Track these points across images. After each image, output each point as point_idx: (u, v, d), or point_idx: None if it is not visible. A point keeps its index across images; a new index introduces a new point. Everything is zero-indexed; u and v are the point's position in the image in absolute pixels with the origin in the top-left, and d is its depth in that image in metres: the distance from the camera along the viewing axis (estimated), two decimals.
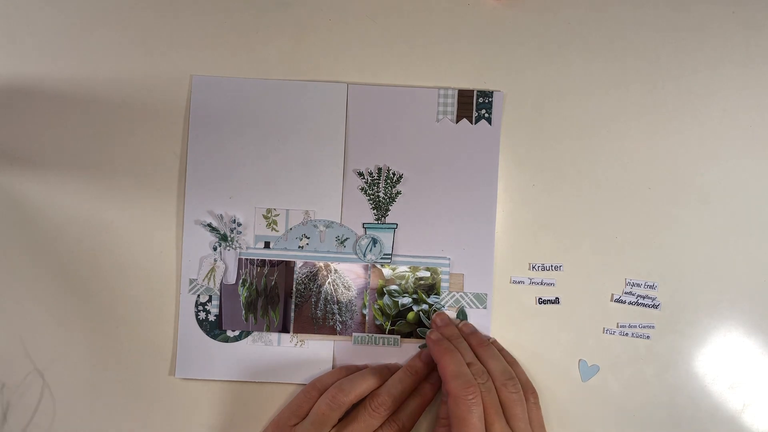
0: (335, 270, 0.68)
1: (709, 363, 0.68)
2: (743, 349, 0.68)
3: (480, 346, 0.65)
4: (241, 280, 0.67)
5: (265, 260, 0.68)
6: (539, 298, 0.68)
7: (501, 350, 0.67)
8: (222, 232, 0.67)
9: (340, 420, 0.63)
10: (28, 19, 0.68)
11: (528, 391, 0.64)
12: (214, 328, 0.67)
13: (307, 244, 0.68)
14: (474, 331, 0.66)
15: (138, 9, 0.68)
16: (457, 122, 0.68)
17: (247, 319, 0.67)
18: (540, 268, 0.68)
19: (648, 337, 0.68)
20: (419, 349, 0.67)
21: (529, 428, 0.60)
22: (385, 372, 0.65)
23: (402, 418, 0.63)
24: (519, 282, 0.68)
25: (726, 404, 0.68)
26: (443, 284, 0.68)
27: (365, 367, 0.67)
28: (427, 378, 0.66)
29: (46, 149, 0.68)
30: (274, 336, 0.68)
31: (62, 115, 0.68)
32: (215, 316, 0.67)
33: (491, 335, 0.68)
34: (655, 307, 0.68)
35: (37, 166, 0.68)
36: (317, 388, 0.64)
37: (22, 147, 0.68)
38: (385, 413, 0.62)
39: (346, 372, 0.66)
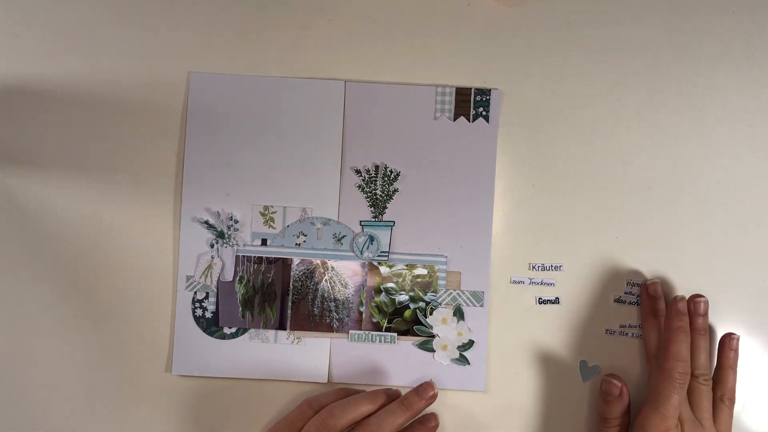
0: (332, 267, 0.68)
1: None
2: (743, 349, 0.67)
3: (698, 332, 0.65)
4: (238, 277, 0.67)
5: (262, 257, 0.68)
6: (539, 298, 0.68)
7: (734, 350, 0.66)
8: (219, 229, 0.67)
9: None
10: (28, 19, 0.69)
11: (726, 394, 0.65)
12: (210, 325, 0.67)
13: (305, 241, 0.68)
14: (705, 314, 0.66)
15: (136, 6, 0.69)
16: (454, 120, 0.68)
17: (243, 317, 0.67)
18: (540, 268, 0.68)
19: None
20: (416, 348, 0.67)
21: (711, 420, 0.64)
22: (382, 398, 0.64)
23: None
24: (519, 282, 0.68)
25: None
26: (440, 282, 0.67)
27: (363, 390, 0.66)
28: (423, 421, 0.65)
29: (45, 149, 0.68)
30: (270, 333, 0.67)
31: (61, 112, 0.68)
32: (212, 313, 0.67)
33: (490, 335, 0.68)
34: None
35: (35, 165, 0.68)
36: (312, 407, 0.63)
37: (21, 147, 0.68)
38: (333, 426, 0.61)
39: (344, 394, 0.65)
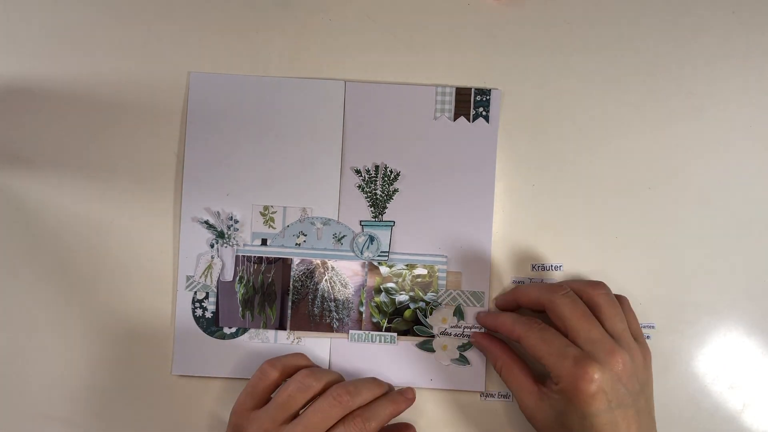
0: (332, 267, 0.68)
1: (709, 363, 0.67)
2: (743, 349, 0.67)
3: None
4: (238, 277, 0.67)
5: (262, 257, 0.68)
6: None
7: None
8: (219, 229, 0.67)
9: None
10: (28, 19, 0.69)
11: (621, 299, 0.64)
12: (210, 325, 0.67)
13: (305, 241, 0.68)
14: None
15: (136, 6, 0.69)
16: (454, 120, 0.68)
17: (244, 316, 0.67)
18: (540, 268, 0.68)
19: (648, 337, 0.67)
20: (416, 348, 0.67)
21: (626, 327, 0.60)
22: (384, 388, 0.63)
23: (369, 417, 0.59)
24: (519, 282, 0.68)
25: (726, 404, 0.67)
26: (440, 282, 0.67)
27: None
28: (404, 392, 0.64)
29: (45, 149, 0.68)
30: (270, 333, 0.67)
31: (61, 113, 0.68)
32: (212, 313, 0.67)
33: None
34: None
35: (35, 165, 0.68)
36: (276, 368, 0.62)
37: (21, 147, 0.68)
38: (347, 404, 0.59)
39: (304, 360, 0.64)
